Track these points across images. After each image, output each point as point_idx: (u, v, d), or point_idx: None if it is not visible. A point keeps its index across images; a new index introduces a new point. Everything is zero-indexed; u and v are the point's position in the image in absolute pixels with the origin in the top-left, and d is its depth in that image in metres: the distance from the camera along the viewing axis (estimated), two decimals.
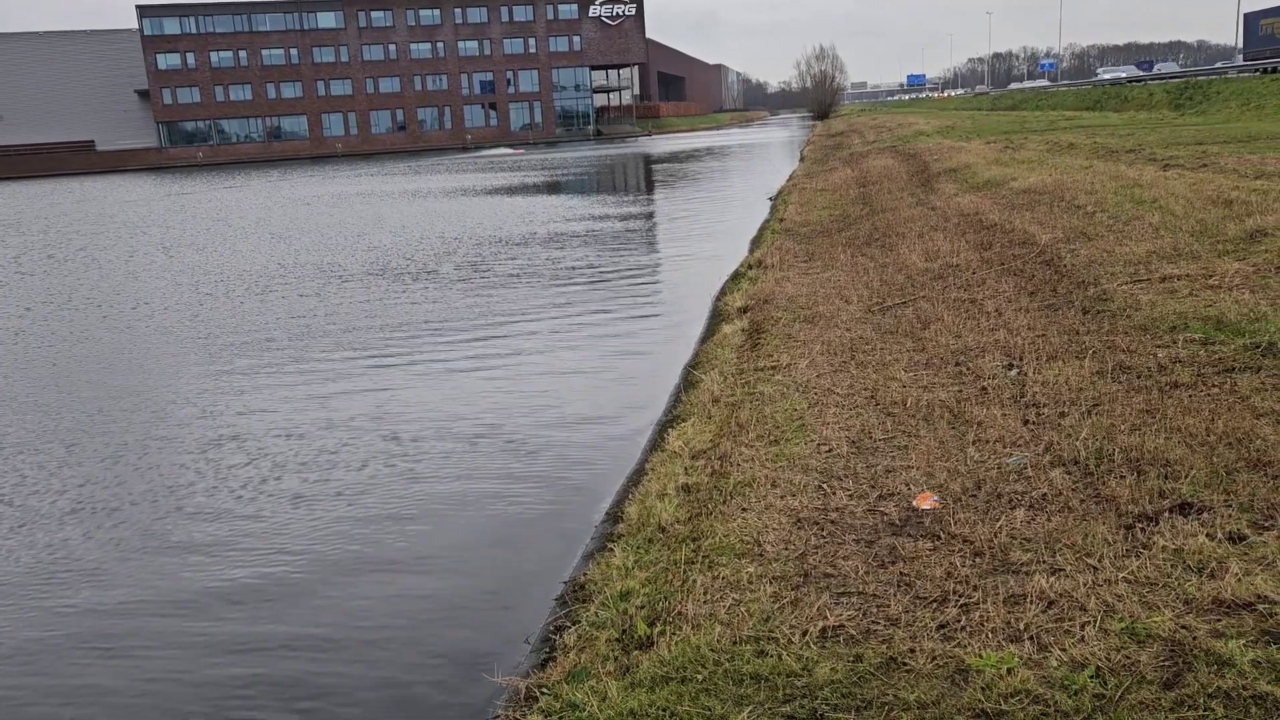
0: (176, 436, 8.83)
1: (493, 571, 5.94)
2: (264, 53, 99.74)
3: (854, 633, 3.85)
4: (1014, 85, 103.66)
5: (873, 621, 3.92)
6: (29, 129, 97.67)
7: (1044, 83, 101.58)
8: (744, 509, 5.21)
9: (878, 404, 6.63)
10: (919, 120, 50.03)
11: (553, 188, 39.60)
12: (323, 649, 5.17)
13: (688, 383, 8.80)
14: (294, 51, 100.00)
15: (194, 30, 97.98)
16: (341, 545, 6.39)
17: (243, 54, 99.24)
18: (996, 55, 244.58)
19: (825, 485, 5.37)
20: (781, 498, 5.27)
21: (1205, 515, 4.31)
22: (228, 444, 8.49)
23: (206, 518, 6.93)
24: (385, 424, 8.82)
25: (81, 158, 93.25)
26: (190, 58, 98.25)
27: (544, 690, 4.07)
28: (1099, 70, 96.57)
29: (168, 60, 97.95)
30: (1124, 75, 69.51)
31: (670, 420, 7.82)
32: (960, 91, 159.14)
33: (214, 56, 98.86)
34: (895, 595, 4.09)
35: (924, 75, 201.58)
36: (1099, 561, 4.10)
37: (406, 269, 18.20)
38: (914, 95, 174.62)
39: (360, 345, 12.11)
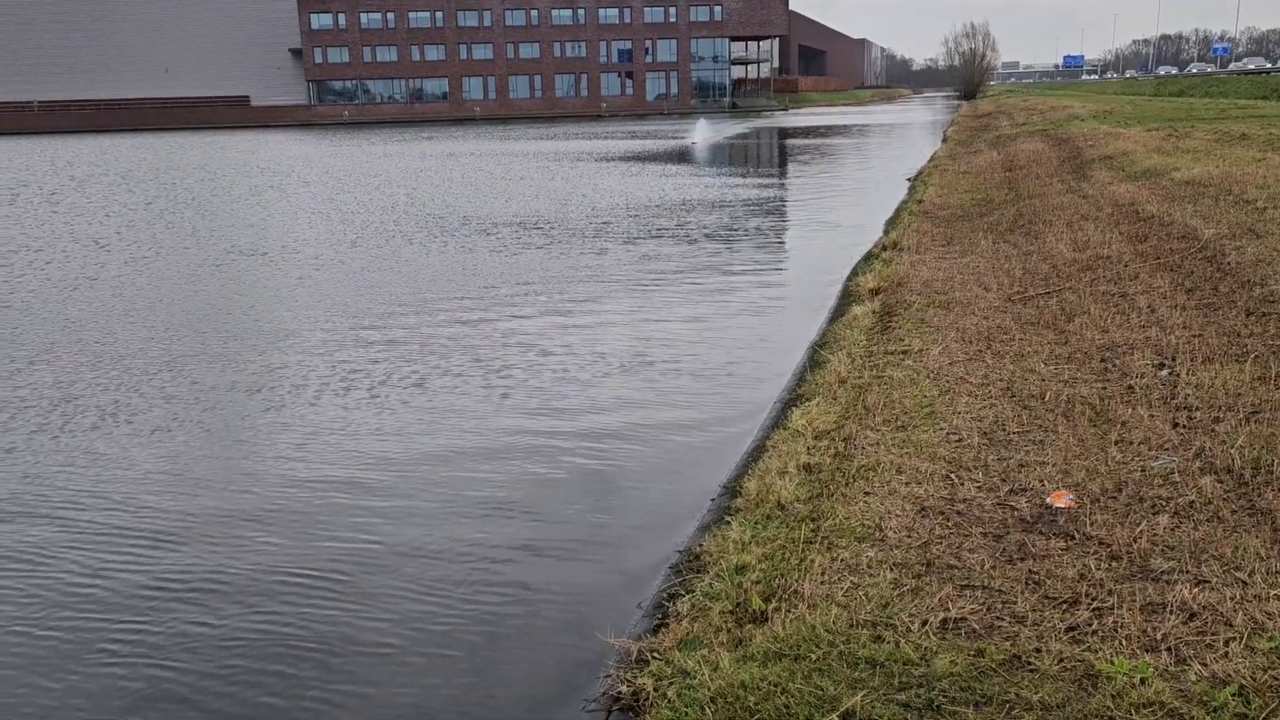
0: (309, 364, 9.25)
1: (606, 534, 6.01)
2: (410, 15, 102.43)
3: (977, 627, 3.74)
4: (1240, 64, 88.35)
5: (997, 617, 3.80)
6: (191, 83, 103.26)
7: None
8: (867, 493, 5.12)
9: (1014, 396, 6.39)
10: (1074, 104, 47.67)
11: (683, 157, 39.49)
12: (435, 586, 5.34)
13: (813, 362, 8.67)
14: (439, 15, 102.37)
15: None
16: (466, 492, 6.58)
17: (390, 16, 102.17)
18: (1165, 37, 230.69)
19: (953, 475, 5.22)
20: (906, 484, 5.15)
21: None
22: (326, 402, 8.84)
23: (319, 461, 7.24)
24: (501, 385, 9.00)
25: (235, 112, 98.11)
26: (341, 18, 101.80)
27: (655, 655, 4.10)
28: None
29: (320, 20, 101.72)
30: None
31: (793, 399, 7.72)
32: (1129, 74, 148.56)
33: (364, 18, 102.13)
34: (1022, 593, 3.95)
35: (1082, 56, 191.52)
36: (1249, 576, 3.86)
37: (533, 228, 18.50)
38: (1086, 77, 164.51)
39: (490, 300, 12.38)
